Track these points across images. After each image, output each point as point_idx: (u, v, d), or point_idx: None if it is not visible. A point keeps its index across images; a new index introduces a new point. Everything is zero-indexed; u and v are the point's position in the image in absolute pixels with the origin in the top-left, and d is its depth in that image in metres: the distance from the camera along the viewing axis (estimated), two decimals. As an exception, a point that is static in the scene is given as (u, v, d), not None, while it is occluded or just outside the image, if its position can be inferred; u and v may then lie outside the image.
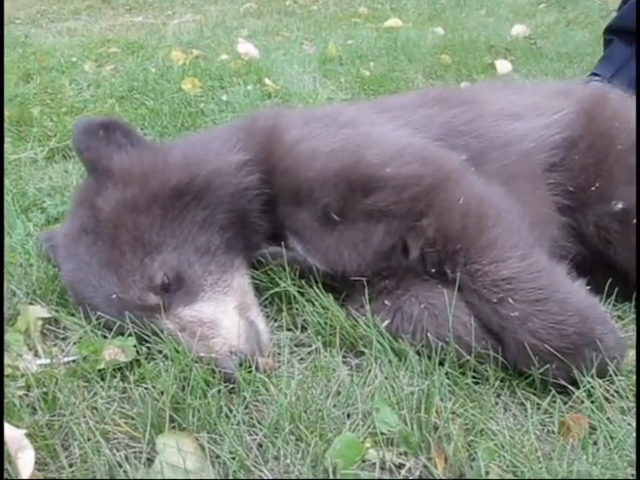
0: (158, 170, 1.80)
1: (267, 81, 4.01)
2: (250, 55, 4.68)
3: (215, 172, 1.83)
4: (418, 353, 1.69)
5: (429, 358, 1.67)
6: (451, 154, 1.93)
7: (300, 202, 1.85)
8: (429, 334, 1.69)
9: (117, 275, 1.70)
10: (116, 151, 1.86)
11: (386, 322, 1.76)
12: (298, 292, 1.86)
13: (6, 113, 3.60)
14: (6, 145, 3.21)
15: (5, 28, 6.73)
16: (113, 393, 1.59)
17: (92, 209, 1.79)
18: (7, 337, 1.80)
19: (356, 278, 1.83)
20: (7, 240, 2.24)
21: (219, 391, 1.55)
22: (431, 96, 2.34)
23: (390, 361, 1.68)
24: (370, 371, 1.66)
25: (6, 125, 3.46)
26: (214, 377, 1.58)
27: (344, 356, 1.74)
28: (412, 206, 1.76)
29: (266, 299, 1.90)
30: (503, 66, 4.54)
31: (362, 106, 2.36)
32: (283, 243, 1.87)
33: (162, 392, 1.56)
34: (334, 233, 1.82)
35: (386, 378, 1.62)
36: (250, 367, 1.61)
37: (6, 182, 2.73)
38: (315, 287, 1.86)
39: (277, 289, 1.87)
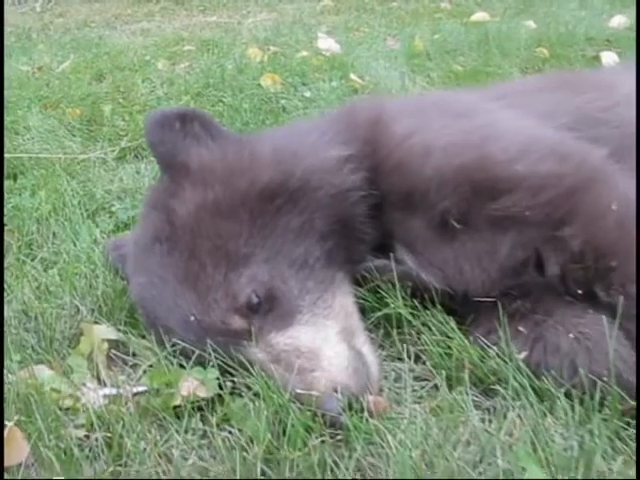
0: (245, 167, 1.53)
1: (353, 76, 3.72)
2: (332, 51, 4.41)
3: (313, 169, 1.54)
4: (566, 394, 1.34)
5: (581, 402, 1.32)
6: (591, 148, 1.61)
7: (412, 206, 1.56)
8: (581, 370, 1.35)
9: (196, 292, 1.42)
10: (194, 145, 1.60)
11: (523, 354, 1.42)
12: (411, 314, 1.54)
13: (77, 112, 3.44)
14: (75, 145, 3.01)
15: (79, 32, 6.68)
16: (191, 438, 1.30)
17: (167, 213, 1.52)
18: (69, 361, 1.55)
19: (481, 299, 1.52)
20: (71, 248, 1.99)
21: (323, 441, 1.24)
22: (555, 79, 2.03)
23: (532, 404, 1.34)
24: (506, 416, 1.33)
25: (76, 124, 3.28)
26: (316, 421, 1.27)
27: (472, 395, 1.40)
28: (550, 212, 1.47)
29: (372, 322, 1.58)
30: (609, 58, 4.13)
31: (474, 93, 2.04)
32: (392, 255, 1.55)
33: (251, 439, 1.26)
34: (453, 244, 1.53)
35: (531, 428, 1.28)
36: (360, 409, 1.30)
37: (73, 184, 2.51)
38: (431, 309, 1.54)
39: (386, 310, 1.56)
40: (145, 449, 1.26)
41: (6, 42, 6.02)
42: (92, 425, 1.32)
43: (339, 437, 1.27)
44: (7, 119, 3.27)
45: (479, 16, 5.71)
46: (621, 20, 5.24)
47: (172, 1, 8.14)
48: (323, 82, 3.65)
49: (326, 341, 1.41)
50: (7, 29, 7.27)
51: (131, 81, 4.04)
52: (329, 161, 1.56)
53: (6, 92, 3.55)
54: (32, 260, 1.99)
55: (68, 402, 1.41)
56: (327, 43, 4.56)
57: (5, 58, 4.70)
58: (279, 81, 3.67)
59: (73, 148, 2.96)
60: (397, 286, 1.53)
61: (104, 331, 1.62)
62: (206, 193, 1.49)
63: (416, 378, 1.48)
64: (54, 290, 1.78)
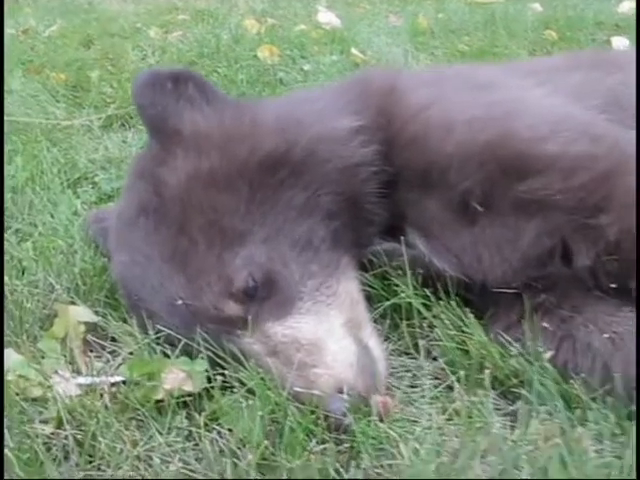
0: (244, 134, 1.37)
1: (354, 51, 3.55)
2: (332, 25, 4.22)
3: (320, 139, 1.38)
4: (597, 400, 1.19)
5: (614, 410, 1.17)
6: (624, 131, 1.46)
7: (429, 185, 1.40)
8: (615, 375, 1.19)
9: (185, 273, 1.25)
10: (188, 108, 1.43)
11: (549, 353, 1.27)
12: (422, 304, 1.38)
13: (62, 77, 3.24)
14: (58, 111, 2.81)
15: (69, -2, 6.42)
16: (174, 439, 1.14)
17: (154, 183, 1.36)
18: (40, 345, 1.39)
19: (500, 289, 1.37)
20: (48, 220, 1.82)
21: (325, 448, 1.09)
22: (586, 58, 1.87)
23: (559, 411, 1.19)
24: (530, 424, 1.18)
25: (61, 89, 3.08)
26: (318, 424, 1.12)
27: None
28: (584, 197, 1.31)
29: (378, 312, 1.42)
30: (620, 43, 3.97)
31: (498, 67, 1.89)
32: (402, 239, 1.39)
33: (243, 442, 1.11)
34: (473, 229, 1.38)
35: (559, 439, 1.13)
36: (368, 411, 1.14)
37: (54, 151, 2.32)
38: (445, 299, 1.38)
39: (394, 300, 1.40)
40: (122, 450, 1.10)
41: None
42: (62, 420, 1.15)
43: (344, 443, 1.12)
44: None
45: (484, -4, 5.53)
46: (630, 5, 5.09)
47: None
48: (323, 56, 3.48)
49: (330, 333, 1.26)
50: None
51: (121, 48, 3.83)
52: (338, 131, 1.40)
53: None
54: (5, 232, 1.81)
55: (36, 392, 1.25)
56: (327, 17, 4.36)
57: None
58: (277, 53, 3.49)
59: (56, 114, 2.76)
60: (408, 273, 1.38)
61: (81, 312, 1.45)
62: (200, 161, 1.33)
63: (426, 376, 1.32)
64: (27, 265, 1.61)
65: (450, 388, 1.27)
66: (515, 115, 1.42)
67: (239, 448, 1.10)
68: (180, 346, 1.24)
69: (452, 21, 4.62)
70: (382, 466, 1.08)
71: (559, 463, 1.08)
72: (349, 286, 1.36)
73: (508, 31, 4.31)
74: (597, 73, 1.74)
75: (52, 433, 1.14)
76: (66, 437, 1.12)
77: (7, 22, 4.80)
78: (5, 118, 2.46)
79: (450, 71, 1.76)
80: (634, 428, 1.13)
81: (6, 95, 2.99)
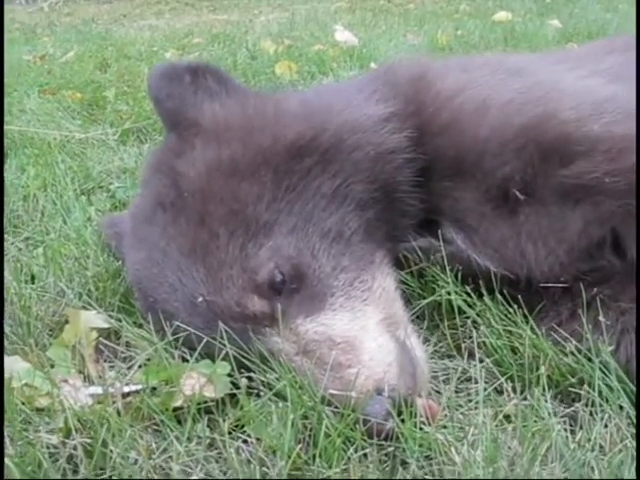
0: (268, 122, 1.28)
1: (374, 66, 3.47)
2: (350, 43, 4.16)
3: (349, 126, 1.29)
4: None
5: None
6: None
7: (464, 174, 1.30)
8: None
9: (206, 267, 1.15)
10: (207, 100, 1.35)
11: (609, 348, 1.14)
12: (464, 302, 1.26)
13: (78, 96, 3.20)
14: (74, 127, 2.74)
15: (85, 27, 6.48)
16: (195, 448, 1.02)
17: (172, 176, 1.27)
18: (49, 353, 1.28)
19: (547, 284, 1.26)
20: (61, 226, 1.73)
21: (365, 455, 0.96)
22: (620, 43, 1.79)
23: (624, 409, 1.06)
24: (595, 427, 1.05)
25: (77, 108, 3.03)
26: (356, 429, 1.00)
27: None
28: (634, 180, 1.20)
29: (415, 312, 1.30)
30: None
31: (527, 55, 1.79)
32: (439, 233, 1.28)
33: (273, 450, 0.99)
34: (513, 220, 1.27)
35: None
36: (410, 414, 1.02)
37: (68, 161, 2.24)
38: (487, 296, 1.26)
39: (434, 297, 1.28)
40: (136, 460, 0.99)
41: (10, 36, 5.81)
42: (70, 430, 1.04)
43: (387, 450, 0.99)
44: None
45: (502, 15, 5.49)
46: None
47: (182, 2, 7.96)
48: (342, 71, 3.41)
49: (365, 330, 1.14)
50: (13, 26, 7.09)
51: (137, 69, 3.80)
52: (369, 118, 1.31)
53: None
54: (15, 238, 1.72)
55: (44, 401, 1.14)
56: (344, 35, 4.32)
57: (6, 48, 4.45)
58: (295, 69, 3.43)
59: (71, 130, 2.70)
60: (447, 269, 1.27)
61: (93, 318, 1.35)
62: (221, 151, 1.24)
63: (472, 379, 1.20)
64: (37, 271, 1.51)
65: (499, 391, 1.15)
66: (553, 96, 1.33)
67: (268, 457, 0.98)
68: (200, 348, 1.13)
69: (471, 37, 4.58)
70: (432, 473, 0.95)
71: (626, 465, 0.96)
72: (385, 282, 1.25)
73: (530, 44, 4.25)
74: (631, 54, 1.65)
75: (60, 442, 1.02)
76: (74, 447, 1.00)
77: (23, 49, 4.81)
78: (17, 127, 2.39)
79: (478, 59, 1.67)
80: None
81: (20, 114, 2.94)
